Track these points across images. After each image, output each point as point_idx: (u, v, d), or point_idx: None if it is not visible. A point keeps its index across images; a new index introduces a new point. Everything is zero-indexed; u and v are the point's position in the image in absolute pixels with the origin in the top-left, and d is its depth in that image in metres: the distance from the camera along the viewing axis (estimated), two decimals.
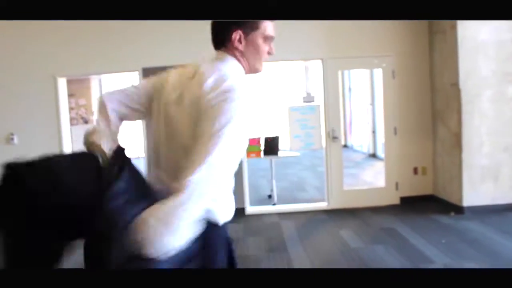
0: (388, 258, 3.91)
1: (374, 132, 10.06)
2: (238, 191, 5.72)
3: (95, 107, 11.56)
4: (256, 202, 6.14)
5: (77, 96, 11.37)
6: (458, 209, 5.24)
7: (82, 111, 12.16)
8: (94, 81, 12.72)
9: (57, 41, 5.70)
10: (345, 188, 5.94)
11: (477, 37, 5.07)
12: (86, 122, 12.28)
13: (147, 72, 5.63)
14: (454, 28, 5.10)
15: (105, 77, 11.85)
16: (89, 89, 12.85)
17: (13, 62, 5.71)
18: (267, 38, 1.53)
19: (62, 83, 5.81)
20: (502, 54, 5.08)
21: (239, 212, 5.64)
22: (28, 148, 5.69)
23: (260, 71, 1.58)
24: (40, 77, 5.69)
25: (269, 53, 1.56)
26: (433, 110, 5.82)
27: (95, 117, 1.62)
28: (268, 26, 1.52)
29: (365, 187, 6.82)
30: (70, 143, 5.90)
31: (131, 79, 11.77)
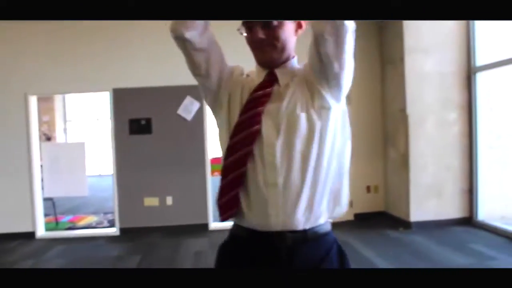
0: None
1: None
2: (202, 208, 6.02)
3: (58, 124, 11.57)
4: (218, 218, 6.40)
5: (41, 113, 11.41)
6: (407, 224, 5.69)
7: (45, 128, 12.17)
8: (58, 97, 12.78)
9: (29, 59, 5.87)
10: None
11: (422, 68, 5.60)
12: (48, 139, 12.28)
13: (117, 93, 5.90)
14: (402, 60, 5.62)
15: (69, 95, 11.95)
16: (53, 107, 12.90)
17: None
18: (245, 23, 1.41)
19: (33, 101, 5.97)
20: (444, 84, 5.62)
21: (203, 227, 5.95)
22: None
23: (265, 61, 1.45)
24: (11, 94, 5.83)
25: (252, 41, 1.41)
26: (384, 133, 6.32)
27: None
28: None
29: None
30: (39, 159, 6.04)
31: (96, 99, 11.88)
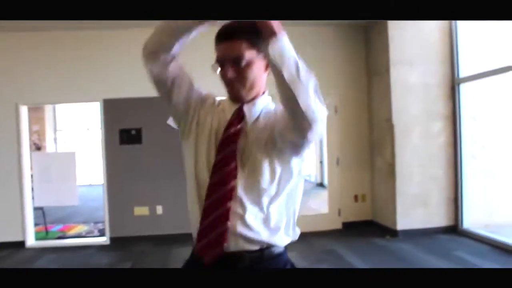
0: None
1: (321, 162, 10.63)
2: None
3: (48, 134, 11.56)
4: None
5: (31, 122, 11.40)
6: (393, 233, 5.79)
7: (35, 137, 12.15)
8: (48, 107, 12.77)
9: (20, 69, 5.93)
10: None
11: (407, 80, 5.74)
12: (38, 148, 12.27)
13: (108, 103, 5.97)
14: (388, 71, 5.76)
15: (59, 105, 11.97)
16: (43, 116, 12.90)
17: None
18: (218, 61, 1.48)
19: (24, 110, 6.02)
20: (429, 95, 5.76)
21: (191, 237, 5.99)
22: None
23: (234, 97, 1.53)
24: (2, 104, 5.89)
25: (223, 76, 1.48)
26: (370, 143, 6.44)
27: None
28: (218, 47, 1.48)
29: (310, 214, 7.29)
30: (30, 169, 6.07)
31: (86, 109, 11.92)
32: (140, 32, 6.66)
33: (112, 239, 6.01)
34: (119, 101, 5.98)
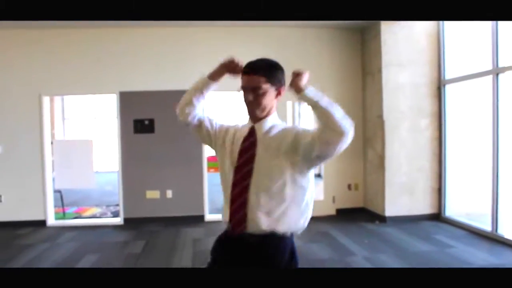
0: (321, 253, 4.94)
1: None
2: (199, 201, 6.63)
3: (57, 122, 11.95)
4: (213, 211, 6.88)
5: None
6: (382, 218, 6.37)
7: None
8: (56, 97, 13.24)
9: (44, 63, 6.44)
10: None
11: (397, 79, 6.28)
12: None
13: (124, 96, 6.50)
14: (380, 71, 6.31)
15: (67, 97, 12.46)
16: (52, 106, 13.36)
17: (3, 80, 6.41)
18: (242, 87, 1.97)
19: (46, 101, 6.55)
20: (416, 94, 6.30)
21: (200, 218, 6.56)
22: (12, 158, 6.38)
23: (250, 116, 2.00)
24: (27, 95, 6.41)
25: (245, 99, 1.97)
26: (363, 136, 6.98)
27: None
28: (243, 78, 1.96)
29: None
30: (51, 156, 6.62)
31: (94, 99, 12.30)
32: (155, 30, 7.28)
33: (126, 220, 6.57)
34: (134, 93, 6.51)
